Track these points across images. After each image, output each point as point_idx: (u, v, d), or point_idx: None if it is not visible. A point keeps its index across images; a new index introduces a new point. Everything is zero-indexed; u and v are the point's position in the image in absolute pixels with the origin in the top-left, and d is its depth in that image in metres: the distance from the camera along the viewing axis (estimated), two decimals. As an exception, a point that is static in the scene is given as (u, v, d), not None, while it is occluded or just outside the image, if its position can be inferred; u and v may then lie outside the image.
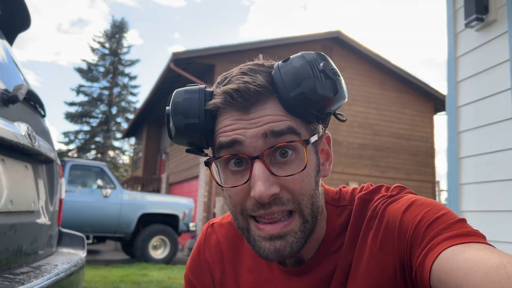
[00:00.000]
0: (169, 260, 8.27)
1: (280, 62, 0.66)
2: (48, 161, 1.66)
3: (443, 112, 13.88)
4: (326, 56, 0.66)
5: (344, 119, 0.70)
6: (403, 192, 0.72)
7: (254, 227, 0.65)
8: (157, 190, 16.42)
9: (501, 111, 2.68)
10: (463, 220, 0.60)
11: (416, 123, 13.06)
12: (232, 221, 0.71)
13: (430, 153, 13.02)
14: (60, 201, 1.90)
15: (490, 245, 0.55)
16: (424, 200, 0.65)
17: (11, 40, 1.81)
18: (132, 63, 29.87)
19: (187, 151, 0.71)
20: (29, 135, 1.33)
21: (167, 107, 0.68)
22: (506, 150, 2.61)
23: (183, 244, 11.24)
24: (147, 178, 17.46)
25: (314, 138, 0.66)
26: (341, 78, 0.66)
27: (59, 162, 1.86)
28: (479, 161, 2.81)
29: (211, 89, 0.68)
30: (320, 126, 0.71)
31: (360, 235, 0.70)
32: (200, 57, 11.28)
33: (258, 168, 0.61)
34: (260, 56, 0.71)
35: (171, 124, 0.67)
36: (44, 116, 1.76)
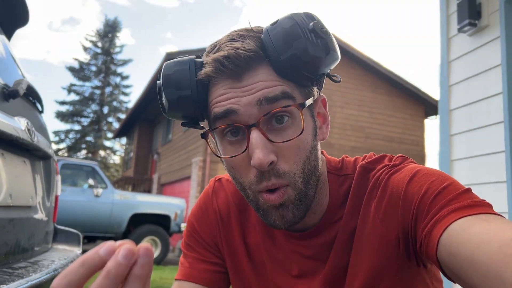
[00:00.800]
0: (160, 261, 8.23)
1: (268, 25, 0.64)
2: (45, 157, 1.66)
3: (434, 116, 14.02)
4: (315, 15, 0.64)
5: (338, 79, 0.68)
6: (406, 162, 0.71)
7: (262, 198, 0.64)
8: (148, 191, 16.33)
9: (493, 115, 2.73)
10: (469, 190, 0.59)
11: (407, 126, 13.16)
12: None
13: (421, 156, 13.13)
14: (56, 197, 1.89)
15: (498, 214, 0.54)
16: (428, 170, 0.64)
17: (9, 36, 1.80)
18: (125, 62, 29.75)
19: (182, 124, 0.70)
20: (28, 130, 1.33)
21: (158, 81, 0.67)
22: (498, 153, 2.66)
23: (174, 245, 11.20)
24: (138, 179, 17.36)
25: (309, 102, 0.65)
26: (332, 36, 0.64)
27: (55, 158, 1.86)
28: (470, 164, 2.85)
29: (201, 59, 0.66)
30: (315, 89, 0.69)
31: (363, 204, 0.69)
32: (193, 57, 11.25)
33: (255, 136, 0.60)
34: (248, 21, 0.68)
35: (163, 98, 0.65)
36: (41, 112, 1.76)
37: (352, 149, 12.12)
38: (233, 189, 0.83)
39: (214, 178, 0.88)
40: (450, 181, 0.60)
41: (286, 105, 0.62)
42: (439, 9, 3.34)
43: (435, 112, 13.78)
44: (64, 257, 1.58)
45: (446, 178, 0.61)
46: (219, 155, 0.67)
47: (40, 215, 1.54)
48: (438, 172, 0.63)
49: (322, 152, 0.76)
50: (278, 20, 0.63)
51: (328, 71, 0.67)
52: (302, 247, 0.74)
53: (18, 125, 1.26)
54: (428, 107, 13.44)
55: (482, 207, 0.55)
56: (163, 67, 0.66)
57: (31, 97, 1.59)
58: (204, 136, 0.66)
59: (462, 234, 0.51)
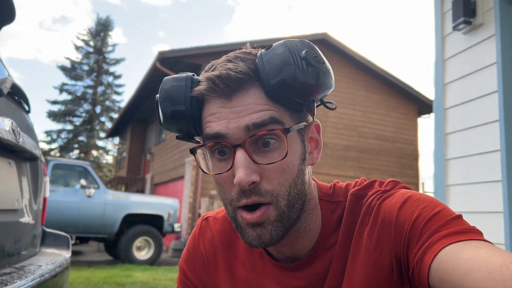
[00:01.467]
0: (153, 261, 8.18)
1: (263, 50, 0.66)
2: (32, 158, 1.61)
3: (427, 115, 14.07)
4: (312, 44, 0.67)
5: (334, 107, 0.70)
6: (397, 187, 0.71)
7: (239, 216, 0.66)
8: (141, 191, 16.25)
9: (488, 113, 2.71)
10: (460, 217, 0.60)
11: (400, 125, 13.20)
12: (225, 213, 0.72)
13: (414, 156, 13.18)
14: (44, 200, 1.84)
15: (488, 241, 0.55)
16: (419, 196, 0.65)
17: (-6, 33, 1.74)
18: (117, 61, 29.56)
19: (177, 137, 0.72)
20: (13, 130, 1.28)
21: (156, 95, 0.70)
22: (493, 152, 2.64)
23: (167, 245, 11.13)
24: (131, 179, 17.27)
25: (298, 127, 0.66)
26: (327, 65, 0.66)
27: (43, 159, 1.80)
28: (465, 163, 2.83)
29: (199, 77, 0.69)
30: (308, 114, 0.71)
31: (355, 232, 0.70)
32: (186, 56, 11.21)
33: (240, 155, 0.63)
34: (248, 44, 0.72)
35: (159, 111, 0.69)
36: (28, 112, 1.70)
37: (345, 148, 12.13)
38: (219, 227, 0.85)
39: (201, 217, 0.90)
40: (441, 207, 0.61)
41: (271, 128, 0.63)
42: (434, 7, 3.32)
43: (428, 111, 13.83)
44: (52, 261, 1.53)
45: (437, 204, 0.63)
46: (206, 171, 0.69)
47: (27, 219, 1.49)
48: (429, 198, 0.64)
49: (313, 179, 0.77)
50: (272, 45, 0.66)
51: (322, 98, 0.69)
52: (295, 279, 0.74)
53: (1, 126, 1.21)
54: (422, 106, 13.48)
55: (473, 233, 0.56)
56: (162, 82, 0.70)
57: (17, 96, 1.54)
58: (192, 151, 0.69)
59: (453, 260, 0.52)
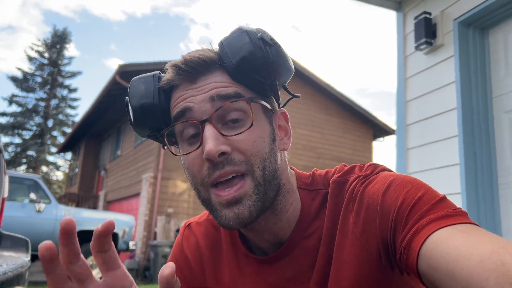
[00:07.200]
0: (105, 281, 7.81)
1: (222, 38, 0.69)
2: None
3: (382, 138, 14.59)
4: (264, 29, 0.70)
5: (298, 95, 0.74)
6: (377, 170, 0.71)
7: (214, 195, 0.66)
8: (94, 208, 15.62)
9: (448, 129, 2.84)
10: (444, 198, 0.60)
11: (356, 147, 13.57)
12: (208, 216, 0.73)
13: (369, 177, 13.53)
14: (3, 200, 1.72)
15: (474, 223, 0.56)
16: (401, 179, 0.65)
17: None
18: (73, 75, 28.66)
19: (148, 136, 0.72)
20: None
21: (126, 97, 0.71)
22: (453, 166, 2.76)
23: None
24: (83, 195, 16.57)
25: (262, 101, 0.69)
26: (282, 48, 0.69)
27: (4, 154, 1.70)
28: (427, 177, 2.94)
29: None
30: (274, 101, 0.73)
31: (340, 220, 0.69)
32: (147, 70, 10.92)
33: (207, 129, 0.64)
34: (210, 43, 0.74)
35: (129, 109, 0.70)
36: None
37: (303, 168, 12.24)
38: (203, 230, 0.84)
39: (184, 224, 0.89)
40: (425, 190, 0.61)
41: (235, 100, 0.65)
42: (396, 29, 3.48)
43: (383, 135, 14.34)
44: (12, 262, 1.42)
45: (421, 186, 0.62)
46: (176, 154, 0.70)
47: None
48: (412, 180, 0.64)
49: (292, 168, 0.78)
50: (230, 32, 0.69)
51: (284, 84, 0.73)
52: (281, 272, 0.73)
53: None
54: (376, 129, 13.96)
55: (459, 217, 0.56)
56: (130, 82, 0.71)
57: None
58: (161, 136, 0.69)
59: (441, 247, 0.52)
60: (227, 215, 0.64)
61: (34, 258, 8.27)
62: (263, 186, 0.65)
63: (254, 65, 0.65)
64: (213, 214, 0.67)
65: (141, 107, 0.68)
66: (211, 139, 0.62)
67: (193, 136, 0.67)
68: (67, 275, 0.50)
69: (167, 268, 0.49)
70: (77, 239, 0.50)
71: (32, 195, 7.56)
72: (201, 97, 0.66)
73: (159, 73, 0.71)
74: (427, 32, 3.00)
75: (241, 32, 0.67)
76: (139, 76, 0.72)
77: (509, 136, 2.65)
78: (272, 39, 0.68)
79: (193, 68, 0.67)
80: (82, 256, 0.51)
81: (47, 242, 0.49)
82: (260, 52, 0.65)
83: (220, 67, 0.68)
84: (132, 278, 0.55)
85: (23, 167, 27.53)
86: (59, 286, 0.49)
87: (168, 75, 0.68)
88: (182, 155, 0.68)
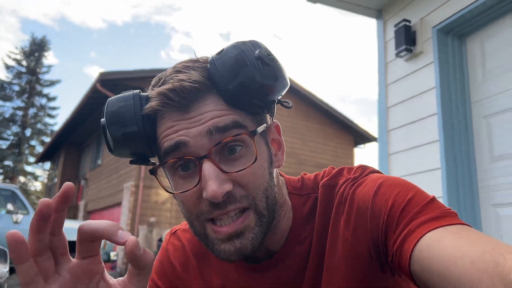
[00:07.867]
0: (86, 292, 7.64)
1: (214, 54, 0.62)
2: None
3: (363, 145, 14.77)
4: (261, 43, 0.64)
5: (290, 105, 0.68)
6: (366, 172, 0.71)
7: (211, 230, 0.62)
8: (74, 219, 15.32)
9: (429, 134, 2.89)
10: (433, 199, 0.60)
11: (337, 154, 13.71)
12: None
13: (351, 183, 13.65)
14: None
15: (465, 224, 0.56)
16: (391, 181, 0.65)
17: None
18: (52, 83, 28.20)
19: (131, 162, 0.66)
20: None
21: (102, 119, 0.63)
22: (434, 170, 2.81)
23: (101, 276, 10.49)
24: (62, 206, 16.24)
25: (261, 129, 0.64)
26: (280, 63, 0.63)
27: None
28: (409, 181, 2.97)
29: (146, 93, 0.64)
30: (267, 116, 0.68)
31: (331, 223, 0.68)
32: (128, 79, 10.98)
33: (207, 167, 0.58)
34: (194, 52, 0.68)
35: (108, 136, 0.61)
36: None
37: (286, 174, 12.30)
38: (189, 236, 0.81)
39: (169, 231, 0.86)
40: (414, 191, 0.61)
41: (237, 133, 0.60)
42: (377, 37, 3.54)
43: (363, 142, 14.51)
44: (-9, 273, 1.38)
45: (410, 187, 0.62)
46: (171, 191, 0.64)
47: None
48: (401, 182, 0.64)
49: (281, 174, 0.75)
50: (223, 49, 0.62)
51: (279, 98, 0.66)
52: (273, 278, 0.71)
53: None
54: (357, 136, 14.14)
55: (449, 218, 0.56)
56: (106, 103, 0.63)
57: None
58: (153, 172, 0.63)
59: (433, 249, 0.51)
60: (227, 249, 0.61)
61: (12, 270, 8.05)
62: (266, 217, 0.63)
63: (253, 90, 0.60)
64: (209, 248, 0.63)
65: (123, 136, 0.60)
66: (213, 180, 0.57)
67: (186, 168, 0.62)
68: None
69: (113, 227, 0.48)
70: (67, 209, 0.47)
71: (10, 206, 7.37)
72: (196, 130, 0.59)
73: (139, 92, 0.64)
74: (407, 39, 3.06)
75: (238, 53, 0.60)
76: (116, 97, 0.63)
77: (488, 140, 2.71)
78: (269, 55, 0.62)
79: (184, 98, 0.60)
80: (63, 230, 0.48)
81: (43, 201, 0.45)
82: (258, 76, 0.60)
83: (214, 91, 0.61)
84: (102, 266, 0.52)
85: (0, 177, 26.85)
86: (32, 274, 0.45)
87: (154, 103, 0.60)
88: (178, 193, 0.62)
